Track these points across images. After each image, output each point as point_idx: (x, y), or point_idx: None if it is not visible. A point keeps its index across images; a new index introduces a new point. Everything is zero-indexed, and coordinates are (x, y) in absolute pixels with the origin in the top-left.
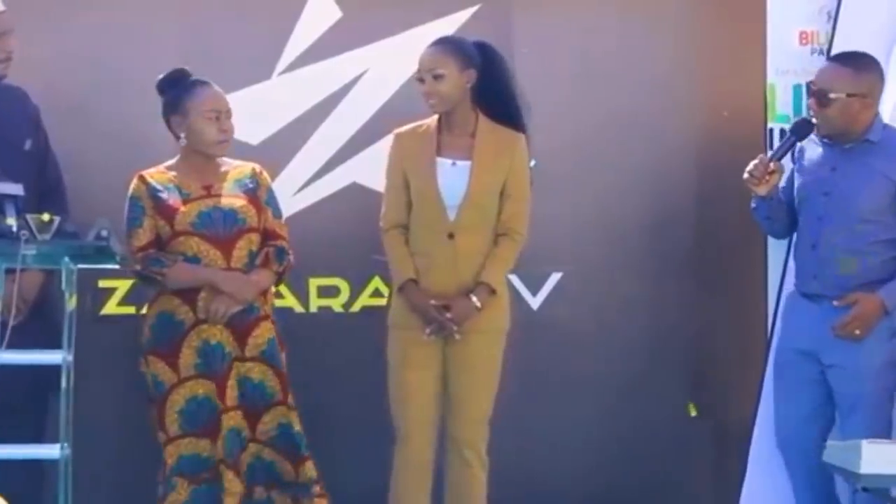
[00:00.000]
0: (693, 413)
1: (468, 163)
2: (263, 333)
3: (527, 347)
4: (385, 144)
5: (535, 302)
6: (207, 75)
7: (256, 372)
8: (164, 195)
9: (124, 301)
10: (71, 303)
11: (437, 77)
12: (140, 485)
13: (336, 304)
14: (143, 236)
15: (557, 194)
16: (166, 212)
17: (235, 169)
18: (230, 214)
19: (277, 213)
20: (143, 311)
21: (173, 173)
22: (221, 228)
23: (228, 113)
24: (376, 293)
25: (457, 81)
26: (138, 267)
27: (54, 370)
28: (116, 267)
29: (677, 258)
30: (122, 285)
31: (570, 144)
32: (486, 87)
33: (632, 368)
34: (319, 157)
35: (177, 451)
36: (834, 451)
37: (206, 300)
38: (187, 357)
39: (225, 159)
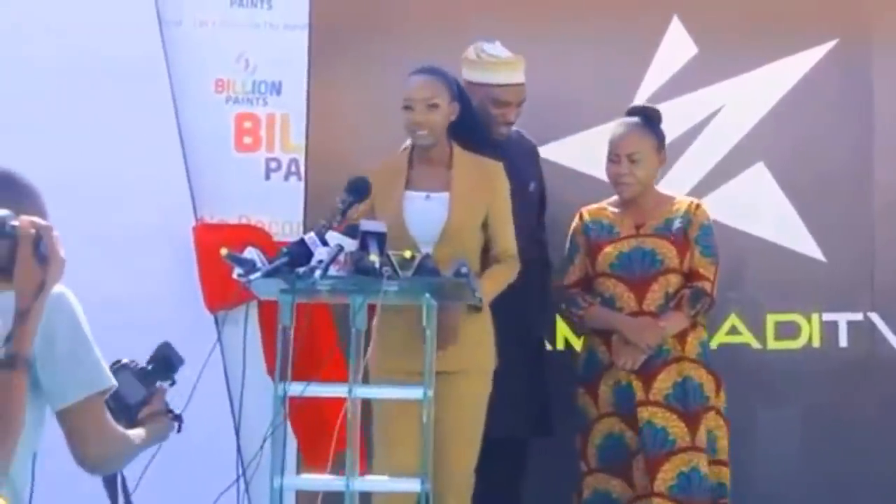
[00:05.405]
0: None
1: (444, 195)
2: (669, 377)
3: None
4: (742, 181)
5: None
6: (564, 112)
7: (660, 417)
8: (595, 234)
9: None
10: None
11: (431, 106)
12: None
13: None
14: (573, 274)
15: None
16: (593, 251)
17: (673, 206)
18: (649, 255)
19: (706, 251)
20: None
21: (613, 210)
22: (638, 270)
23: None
24: (732, 330)
25: (446, 113)
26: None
27: None
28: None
29: None
30: None
31: None
32: (462, 120)
33: None
34: (676, 193)
35: (594, 482)
36: None
37: (616, 344)
38: (604, 394)
39: (667, 194)
